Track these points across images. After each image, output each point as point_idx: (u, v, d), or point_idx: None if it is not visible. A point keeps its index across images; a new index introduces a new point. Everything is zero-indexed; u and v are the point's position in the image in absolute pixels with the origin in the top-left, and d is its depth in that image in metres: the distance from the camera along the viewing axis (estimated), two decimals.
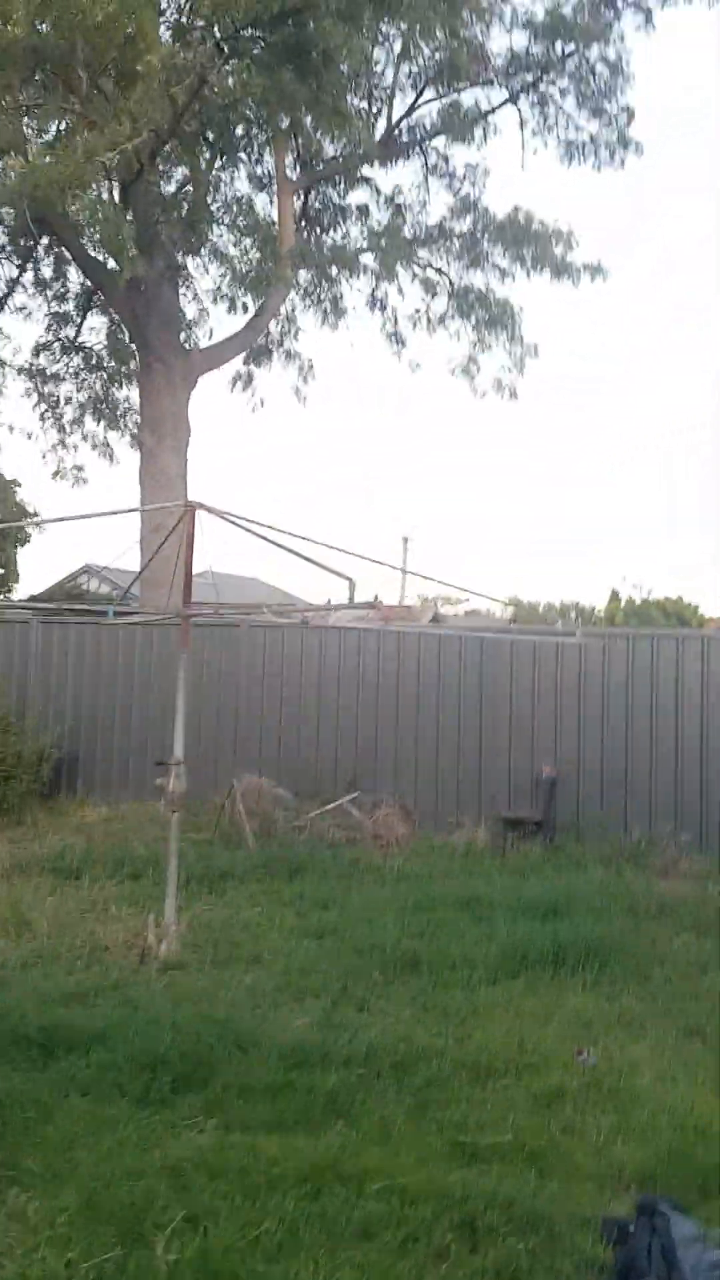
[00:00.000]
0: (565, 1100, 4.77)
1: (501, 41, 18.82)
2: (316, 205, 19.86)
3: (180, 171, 17.79)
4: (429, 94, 18.33)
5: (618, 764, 11.39)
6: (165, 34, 15.16)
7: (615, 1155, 4.27)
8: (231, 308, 18.02)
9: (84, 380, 20.41)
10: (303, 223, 19.20)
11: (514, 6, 17.78)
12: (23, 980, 6.24)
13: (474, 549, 59.37)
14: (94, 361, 20.28)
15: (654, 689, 11.36)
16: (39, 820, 11.60)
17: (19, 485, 25.41)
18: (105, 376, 20.30)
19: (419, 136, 19.14)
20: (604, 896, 8.55)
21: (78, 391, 20.41)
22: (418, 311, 20.27)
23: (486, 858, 10.36)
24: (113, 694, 13.02)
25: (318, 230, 19.94)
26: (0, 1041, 5.09)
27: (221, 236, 18.06)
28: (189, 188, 17.47)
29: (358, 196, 19.85)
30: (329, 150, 18.72)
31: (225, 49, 13.98)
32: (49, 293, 19.91)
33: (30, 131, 15.88)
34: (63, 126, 15.88)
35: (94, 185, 13.73)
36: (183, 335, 18.44)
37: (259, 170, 18.90)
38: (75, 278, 19.59)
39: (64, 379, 20.37)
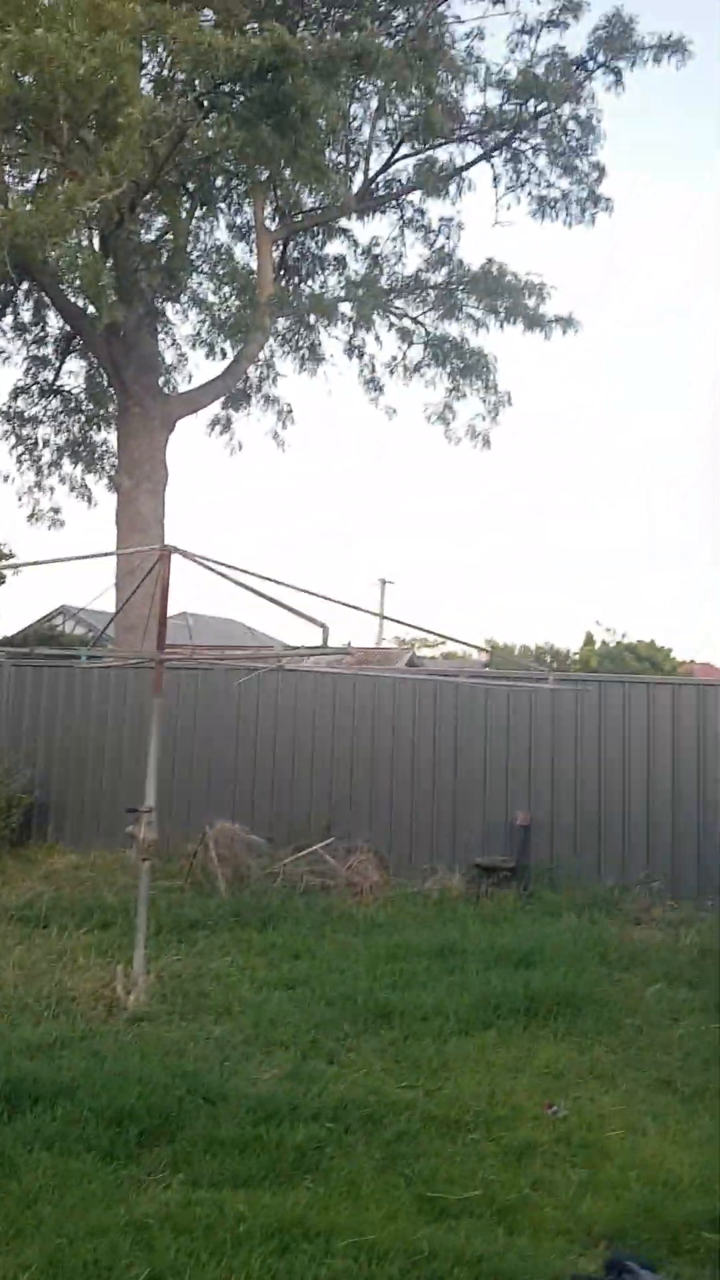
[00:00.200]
0: (535, 1154, 4.75)
1: (475, 99, 19.15)
2: (295, 255, 20.14)
3: (160, 220, 17.99)
4: (405, 149, 18.68)
5: (591, 810, 11.42)
6: (147, 88, 15.42)
7: (585, 1211, 4.25)
8: (210, 353, 18.21)
9: (62, 423, 20.51)
10: (281, 271, 19.45)
11: (488, 65, 18.22)
12: None
13: (451, 592, 59.73)
14: (72, 405, 20.40)
15: (626, 735, 11.42)
16: (7, 867, 11.48)
17: None
18: (83, 419, 20.40)
19: (395, 190, 19.49)
20: (577, 945, 8.54)
21: (56, 434, 20.51)
22: (394, 359, 20.55)
23: (460, 905, 10.33)
24: (85, 738, 12.95)
25: (296, 279, 20.21)
26: None
27: (201, 284, 18.28)
28: (169, 236, 17.68)
29: (335, 247, 20.20)
30: (307, 202, 19.01)
31: (205, 103, 14.22)
32: (28, 336, 20.08)
33: (12, 180, 16.07)
34: (44, 176, 16.08)
35: (74, 233, 13.88)
36: (161, 380, 18.57)
37: (238, 220, 19.20)
38: (55, 322, 19.77)
39: (42, 422, 20.48)
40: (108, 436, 19.97)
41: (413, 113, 17.40)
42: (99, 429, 20.35)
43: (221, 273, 17.60)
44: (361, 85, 16.95)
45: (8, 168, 15.89)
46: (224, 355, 18.13)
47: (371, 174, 18.96)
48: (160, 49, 14.88)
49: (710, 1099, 5.52)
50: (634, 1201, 4.31)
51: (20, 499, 20.50)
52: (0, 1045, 5.83)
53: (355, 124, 18.25)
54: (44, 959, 7.83)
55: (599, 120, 18.37)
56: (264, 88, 13.81)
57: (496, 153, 18.99)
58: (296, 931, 8.96)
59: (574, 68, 17.97)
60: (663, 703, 11.41)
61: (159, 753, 7.56)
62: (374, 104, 17.87)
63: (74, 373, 20.37)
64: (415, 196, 19.68)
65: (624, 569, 64.75)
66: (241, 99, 14.26)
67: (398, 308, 20.08)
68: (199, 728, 12.55)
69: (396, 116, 18.02)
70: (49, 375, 20.33)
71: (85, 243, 15.09)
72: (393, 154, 18.83)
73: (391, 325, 20.19)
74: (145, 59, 15.46)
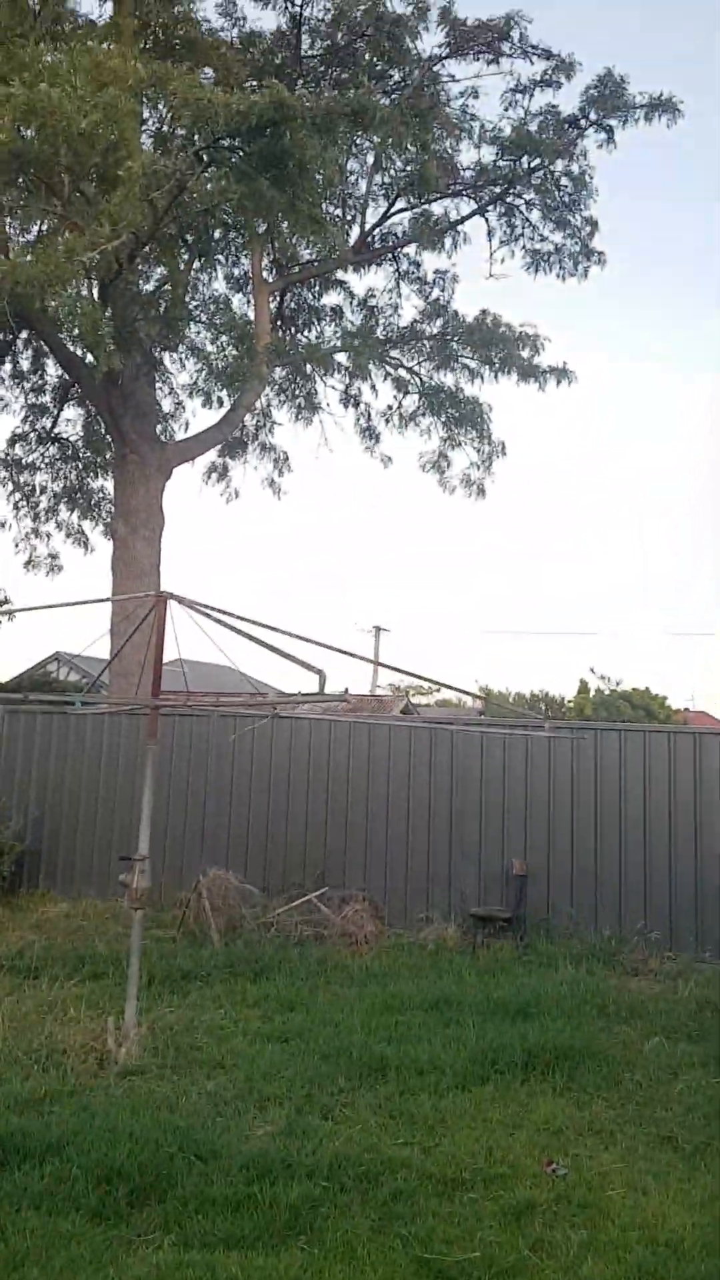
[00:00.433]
0: (534, 1214, 4.65)
1: (470, 155, 19.62)
2: (292, 305, 20.44)
3: (159, 271, 18.27)
4: (401, 203, 19.05)
5: (587, 859, 11.32)
6: (147, 142, 15.71)
7: (586, 1273, 4.15)
8: (207, 402, 18.36)
9: (59, 470, 20.66)
10: (278, 322, 19.70)
11: (482, 123, 18.61)
12: None
13: (445, 639, 59.82)
14: (70, 452, 20.55)
15: (623, 784, 11.35)
16: None
17: None
18: (81, 467, 20.57)
19: (391, 243, 19.83)
20: (574, 997, 8.42)
21: (53, 481, 20.65)
22: (390, 408, 20.77)
23: (456, 955, 10.20)
24: (78, 786, 12.85)
25: (293, 329, 20.46)
26: None
27: (199, 334, 18.49)
28: (167, 286, 17.91)
29: (332, 298, 20.55)
30: (304, 254, 19.34)
31: (205, 157, 14.46)
32: (27, 384, 20.28)
33: (13, 231, 16.31)
34: (44, 227, 16.32)
35: (74, 283, 14.05)
36: (158, 428, 18.72)
37: (236, 271, 19.51)
38: (53, 370, 19.99)
39: (39, 469, 20.62)
40: (105, 483, 20.17)
41: (408, 168, 17.77)
42: (96, 476, 20.53)
43: (219, 323, 17.80)
44: (358, 141, 17.27)
45: (9, 219, 16.13)
46: (221, 404, 18.33)
47: (368, 227, 19.31)
48: (161, 105, 15.21)
49: (712, 1156, 5.41)
50: (636, 1264, 4.21)
51: (17, 545, 20.64)
52: None
53: (352, 178, 18.65)
54: (34, 1010, 7.69)
55: (591, 176, 18.77)
56: (262, 142, 14.06)
57: (491, 207, 19.36)
58: (290, 983, 8.83)
59: (566, 125, 18.37)
60: (659, 752, 11.35)
61: (153, 800, 7.50)
62: (370, 159, 18.29)
63: (72, 420, 20.63)
64: (411, 249, 20.06)
65: (618, 609, 64.98)
66: (240, 153, 14.51)
67: (393, 358, 20.33)
68: (192, 775, 12.46)
69: (393, 171, 18.43)
70: (47, 422, 20.54)
71: (85, 292, 15.28)
72: (389, 208, 19.20)
73: (387, 375, 20.44)
74: (146, 114, 15.78)
